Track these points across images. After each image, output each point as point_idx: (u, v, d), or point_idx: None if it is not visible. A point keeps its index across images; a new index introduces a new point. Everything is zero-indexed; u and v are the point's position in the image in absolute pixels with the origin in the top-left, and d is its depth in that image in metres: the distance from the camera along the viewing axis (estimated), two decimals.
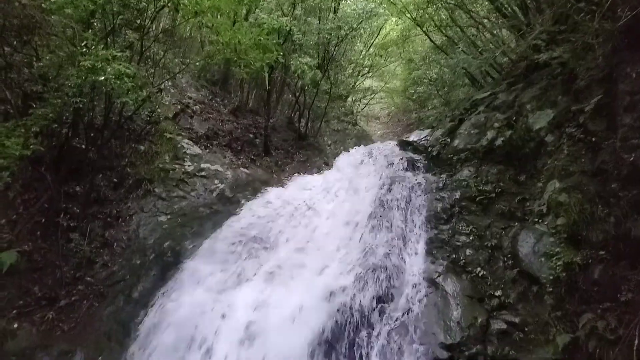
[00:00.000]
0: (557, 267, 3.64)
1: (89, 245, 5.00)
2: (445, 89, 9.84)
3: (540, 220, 4.06)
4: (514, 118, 4.92)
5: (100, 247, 5.10)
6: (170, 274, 4.91)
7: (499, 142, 4.80)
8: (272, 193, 5.92)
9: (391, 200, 4.99)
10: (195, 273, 4.75)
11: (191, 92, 8.20)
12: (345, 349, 3.82)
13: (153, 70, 6.55)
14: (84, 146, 5.50)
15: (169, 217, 5.51)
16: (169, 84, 7.50)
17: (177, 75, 7.61)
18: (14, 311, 4.43)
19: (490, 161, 4.85)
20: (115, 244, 5.19)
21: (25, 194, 5.05)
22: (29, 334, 4.36)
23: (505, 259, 4.12)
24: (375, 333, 3.95)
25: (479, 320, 3.83)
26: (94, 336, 4.47)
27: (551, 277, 3.69)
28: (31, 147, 4.41)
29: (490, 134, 4.99)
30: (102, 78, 4.56)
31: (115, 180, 5.65)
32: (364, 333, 3.95)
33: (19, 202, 4.98)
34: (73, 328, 4.53)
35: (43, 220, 4.99)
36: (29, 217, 4.93)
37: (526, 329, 3.70)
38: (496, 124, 5.02)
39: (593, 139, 3.97)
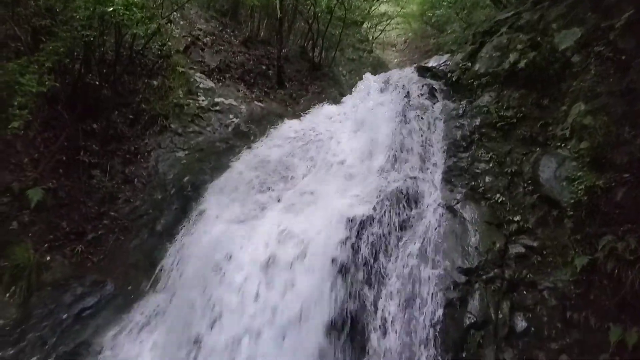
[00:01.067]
0: (579, 191, 3.60)
1: (110, 181, 5.10)
2: (465, 11, 9.36)
3: (562, 145, 3.97)
4: (539, 39, 4.68)
5: (121, 183, 5.20)
6: (191, 207, 5.01)
7: (521, 64, 4.60)
8: (288, 126, 5.87)
9: (409, 129, 4.91)
10: (214, 206, 4.84)
11: (200, 23, 7.96)
12: (364, 273, 3.92)
13: (161, 1, 6.34)
14: (97, 82, 5.47)
15: (186, 152, 5.55)
16: (178, 15, 7.28)
17: (186, 5, 7.36)
18: (46, 245, 4.64)
19: (512, 85, 4.68)
20: (135, 180, 5.28)
21: (44, 133, 5.11)
22: (62, 265, 4.57)
23: (525, 185, 4.08)
24: (393, 259, 4.05)
25: (497, 245, 3.88)
26: (122, 267, 4.67)
27: (572, 201, 3.66)
28: (46, 83, 4.39)
29: (512, 57, 4.78)
30: (111, 9, 4.44)
31: (130, 116, 5.66)
32: (382, 259, 4.05)
33: (39, 141, 5.06)
34: (102, 260, 4.73)
35: (64, 158, 5.08)
36: (50, 155, 5.02)
37: (544, 252, 3.73)
38: (519, 46, 4.79)
39: (622, 57, 3.78)
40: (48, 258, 4.54)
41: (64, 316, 4.18)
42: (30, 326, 4.05)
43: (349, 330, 3.63)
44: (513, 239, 3.92)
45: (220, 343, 3.33)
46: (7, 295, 4.19)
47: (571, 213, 3.67)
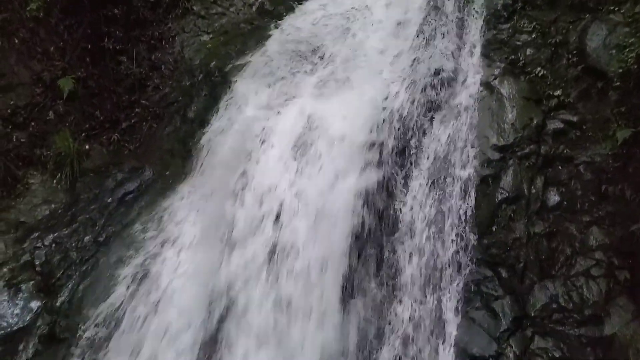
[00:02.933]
0: (629, 59, 3.37)
1: (137, 68, 5.04)
2: None
3: (616, 9, 3.65)
4: None
5: (149, 71, 5.14)
6: (219, 93, 4.97)
7: None
8: (316, 3, 5.54)
9: (445, 2, 4.57)
10: (243, 91, 4.78)
11: None
12: (396, 154, 3.93)
13: None
14: None
15: (211, 36, 5.37)
16: None
17: None
18: (83, 134, 4.76)
19: None
20: (162, 66, 5.21)
21: (65, 20, 4.99)
22: (100, 153, 4.73)
23: (570, 56, 3.84)
24: (426, 138, 4.01)
25: (535, 121, 3.77)
26: (158, 154, 4.80)
27: (620, 71, 3.45)
28: None
29: None
30: None
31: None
32: (414, 140, 4.02)
33: (62, 29, 4.97)
34: (138, 147, 4.86)
35: (89, 46, 5.00)
36: (75, 43, 4.96)
37: (584, 127, 3.63)
38: None
39: None
40: (87, 146, 4.68)
41: (109, 200, 4.41)
42: (79, 209, 4.30)
43: (378, 209, 3.75)
44: (552, 114, 3.79)
45: (257, 216, 3.50)
46: (55, 181, 4.42)
47: (617, 84, 3.48)
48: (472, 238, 3.67)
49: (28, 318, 3.64)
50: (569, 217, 3.54)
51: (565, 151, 3.63)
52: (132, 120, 4.96)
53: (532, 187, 3.67)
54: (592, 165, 3.54)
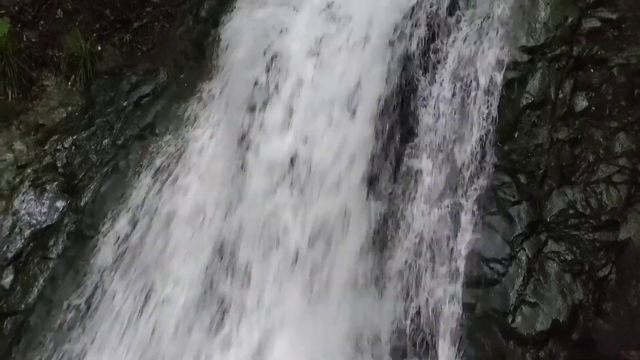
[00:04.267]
0: None
1: None
2: None
3: None
4: None
5: None
6: None
7: None
8: None
9: None
10: None
11: None
12: (419, 57, 3.76)
13: None
14: None
15: None
16: None
17: None
18: (94, 34, 4.61)
19: None
20: None
21: None
22: (113, 55, 4.61)
23: None
24: (450, 40, 3.81)
25: (569, 20, 3.51)
26: (172, 55, 4.65)
27: None
28: None
29: None
30: None
31: None
32: (439, 41, 3.82)
33: None
34: (151, 49, 4.71)
35: None
36: None
37: (623, 26, 3.38)
38: None
39: None
40: (99, 47, 4.56)
41: (125, 103, 4.37)
42: (96, 112, 4.29)
43: (400, 111, 3.67)
44: (589, 12, 3.51)
45: (278, 119, 3.45)
46: (69, 83, 4.38)
47: None
48: (493, 144, 3.61)
49: (55, 217, 3.77)
50: (596, 123, 3.43)
51: (599, 52, 3.43)
52: (144, 20, 4.77)
53: (560, 92, 3.52)
54: (627, 67, 3.34)
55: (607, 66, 3.42)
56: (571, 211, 3.35)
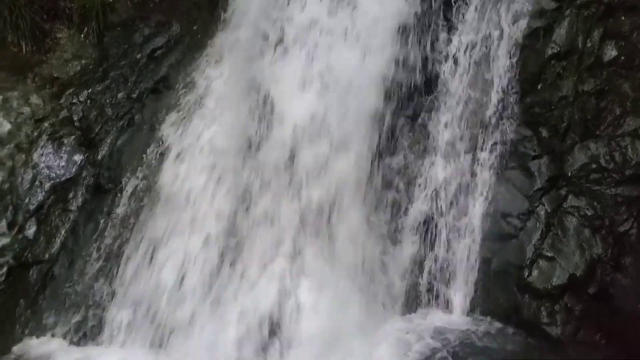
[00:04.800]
0: None
1: None
2: None
3: None
4: None
5: None
6: None
7: None
8: None
9: None
10: None
11: None
12: (440, 4, 3.61)
13: None
14: None
15: None
16: None
17: None
18: None
19: None
20: None
21: None
22: (125, 6, 4.49)
23: None
24: None
25: None
26: (184, 7, 4.53)
27: None
28: None
29: None
30: None
31: None
32: None
33: None
34: (163, 1, 4.61)
35: None
36: None
37: None
38: None
39: None
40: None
41: (138, 56, 4.30)
42: (110, 65, 4.24)
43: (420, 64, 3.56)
44: None
45: (293, 66, 3.38)
46: (82, 36, 4.31)
47: None
48: (515, 97, 3.51)
49: (73, 170, 3.81)
50: (624, 74, 3.29)
51: None
52: None
53: (588, 41, 3.37)
54: None
55: (639, 13, 3.25)
56: (594, 165, 3.28)
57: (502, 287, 3.36)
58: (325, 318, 3.03)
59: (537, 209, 3.37)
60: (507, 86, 3.51)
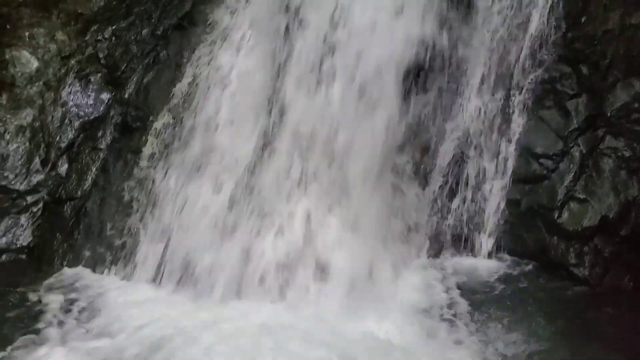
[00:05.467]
0: None
1: None
2: None
3: None
4: None
5: None
6: None
7: None
8: None
9: None
10: None
11: None
12: None
13: None
14: None
15: None
16: None
17: None
18: None
19: None
20: None
21: None
22: None
23: None
24: None
25: None
26: None
27: None
28: None
29: None
30: None
31: None
32: None
33: None
34: None
35: None
36: None
37: None
38: None
39: None
40: None
41: None
42: (133, 1, 4.14)
43: None
44: None
45: None
46: None
47: None
48: (555, 31, 3.32)
49: (101, 109, 3.82)
50: None
51: None
52: None
53: None
54: None
55: None
56: (636, 105, 3.13)
57: (529, 229, 3.33)
58: (348, 258, 3.05)
59: (572, 149, 3.27)
60: (547, 20, 3.31)
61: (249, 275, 3.06)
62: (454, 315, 3.00)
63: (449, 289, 3.18)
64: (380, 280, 3.09)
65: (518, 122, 3.39)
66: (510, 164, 3.40)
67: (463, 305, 3.07)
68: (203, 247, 3.20)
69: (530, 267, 3.32)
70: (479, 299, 3.12)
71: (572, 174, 3.23)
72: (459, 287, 3.20)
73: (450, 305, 3.07)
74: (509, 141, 3.39)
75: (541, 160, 3.31)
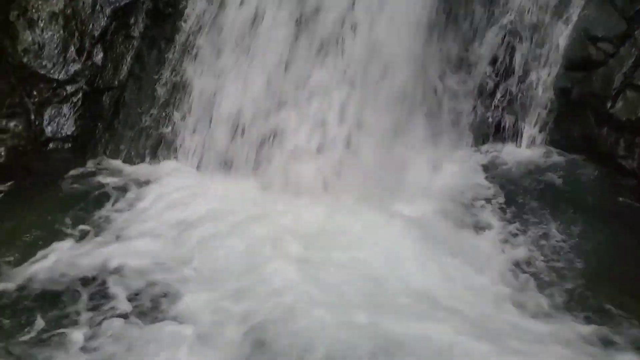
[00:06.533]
0: None
1: None
2: None
3: None
4: None
5: None
6: None
7: None
8: None
9: None
10: None
11: None
12: None
13: None
14: None
15: None
16: None
17: None
18: None
19: None
20: None
21: None
22: None
23: None
24: None
25: None
26: None
27: None
28: None
29: None
30: None
31: None
32: None
33: None
34: None
35: None
36: None
37: None
38: None
39: None
40: None
41: None
42: None
43: None
44: None
45: None
46: None
47: None
48: None
49: None
50: None
51: None
52: None
53: None
54: None
55: None
56: None
57: (578, 119, 3.18)
58: (387, 140, 3.00)
59: (636, 32, 2.99)
60: None
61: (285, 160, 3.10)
62: (488, 202, 2.99)
63: (487, 179, 3.15)
64: (418, 168, 3.07)
65: (577, 2, 3.09)
66: (563, 50, 3.16)
67: (499, 194, 3.05)
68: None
69: (574, 159, 3.22)
70: (516, 189, 3.09)
71: (633, 59, 2.99)
72: (497, 177, 3.16)
73: (486, 194, 3.05)
74: (565, 23, 3.13)
75: (599, 44, 3.06)
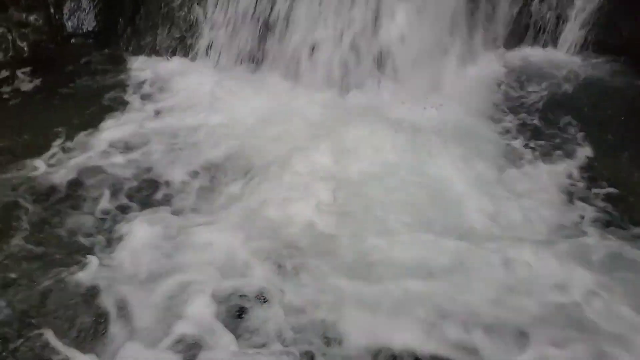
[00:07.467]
0: None
1: None
2: None
3: None
4: None
5: None
6: None
7: None
8: None
9: None
10: None
11: None
12: None
13: None
14: None
15: None
16: None
17: None
18: None
19: None
20: None
21: None
22: None
23: None
24: None
25: None
26: None
27: None
28: None
29: None
30: None
31: None
32: None
33: None
34: None
35: None
36: None
37: None
38: None
39: None
40: None
41: None
42: None
43: None
44: None
45: None
46: None
47: None
48: None
49: None
50: None
51: None
52: None
53: None
54: None
55: None
56: None
57: (628, 17, 2.92)
58: (423, 38, 2.84)
59: None
60: None
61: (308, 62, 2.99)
62: (511, 110, 2.78)
63: (519, 83, 2.95)
64: (445, 70, 2.91)
65: None
66: None
67: (528, 101, 2.84)
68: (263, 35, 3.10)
69: (618, 65, 2.99)
70: (548, 95, 2.87)
71: None
72: (530, 82, 2.96)
73: (513, 102, 2.84)
74: None
75: None
